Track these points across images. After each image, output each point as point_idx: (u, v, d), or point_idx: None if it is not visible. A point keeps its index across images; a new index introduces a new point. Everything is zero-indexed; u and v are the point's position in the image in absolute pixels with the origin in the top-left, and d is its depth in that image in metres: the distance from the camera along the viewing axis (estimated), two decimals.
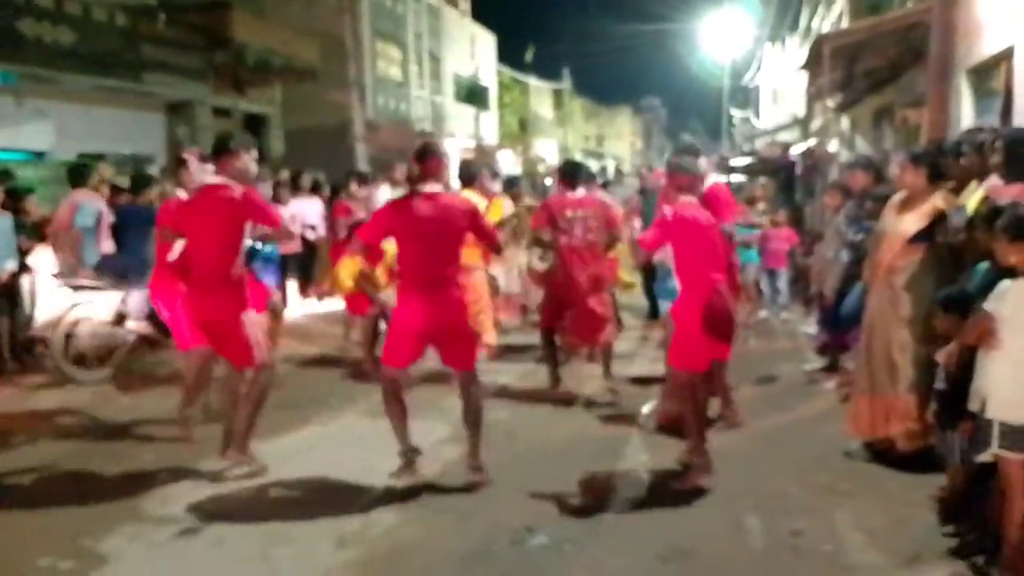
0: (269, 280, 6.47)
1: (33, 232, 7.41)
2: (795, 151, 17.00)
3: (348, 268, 6.67)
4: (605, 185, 10.75)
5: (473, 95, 33.07)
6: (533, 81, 46.05)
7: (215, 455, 4.61)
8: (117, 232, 7.50)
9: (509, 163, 33.79)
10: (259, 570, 3.55)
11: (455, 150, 24.52)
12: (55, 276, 7.06)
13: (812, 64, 11.31)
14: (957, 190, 4.47)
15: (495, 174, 7.98)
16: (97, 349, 6.79)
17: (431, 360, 4.73)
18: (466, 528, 3.90)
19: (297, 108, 19.41)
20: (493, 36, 37.21)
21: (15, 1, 11.57)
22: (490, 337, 7.09)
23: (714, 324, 4.32)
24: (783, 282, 9.33)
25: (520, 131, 43.24)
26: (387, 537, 3.84)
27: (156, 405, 5.91)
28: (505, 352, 7.49)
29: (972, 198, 4.20)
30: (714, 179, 5.75)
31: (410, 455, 4.41)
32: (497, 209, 7.37)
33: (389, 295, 5.00)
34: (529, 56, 43.96)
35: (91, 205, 7.50)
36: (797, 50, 20.74)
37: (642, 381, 6.37)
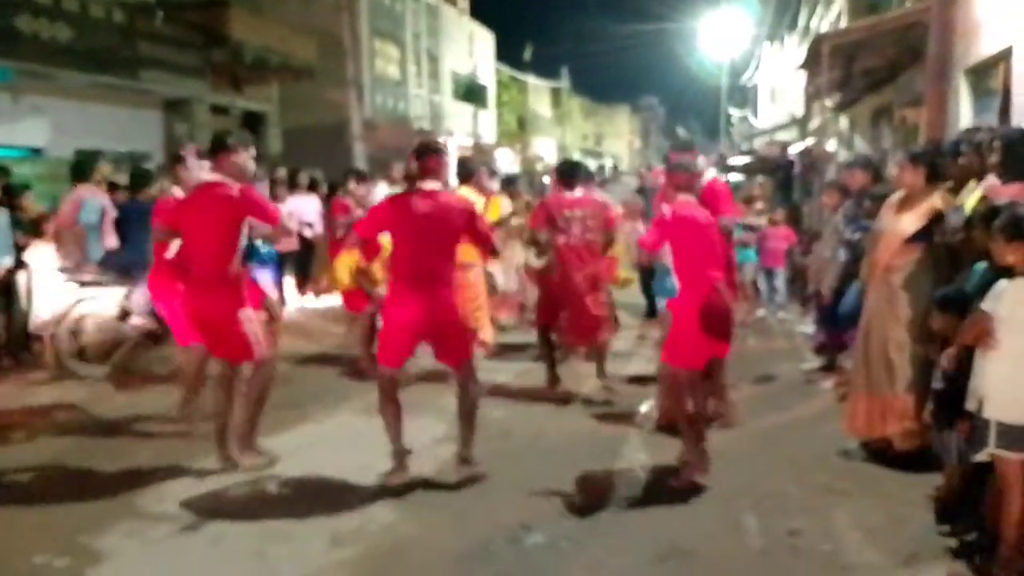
0: (266, 278, 6.47)
1: (30, 228, 7.40)
2: (793, 150, 17.02)
3: (345, 263, 6.69)
4: (602, 183, 10.75)
5: (471, 93, 33.07)
6: (531, 80, 46.08)
7: (212, 453, 4.60)
8: (120, 228, 7.49)
9: (507, 161, 33.81)
10: (255, 568, 3.54)
11: (453, 148, 24.52)
12: (60, 271, 7.07)
13: (811, 63, 11.31)
14: (955, 190, 4.47)
15: (493, 173, 7.97)
16: (102, 345, 6.81)
17: (428, 359, 4.73)
18: (463, 526, 3.90)
19: (295, 106, 19.39)
20: (491, 34, 37.23)
21: None
22: (487, 335, 7.09)
23: (713, 322, 4.32)
24: (781, 281, 9.34)
25: (518, 129, 43.26)
26: (384, 535, 3.84)
27: (153, 402, 5.90)
28: (502, 350, 7.49)
29: (970, 198, 4.21)
30: (712, 174, 5.74)
31: (402, 457, 4.38)
32: (495, 208, 7.37)
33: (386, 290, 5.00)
34: (527, 55, 43.99)
35: (95, 201, 7.50)
36: (796, 49, 20.74)
37: (639, 380, 6.37)
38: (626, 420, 5.54)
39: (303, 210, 10.06)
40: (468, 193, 6.98)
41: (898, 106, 12.13)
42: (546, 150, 46.59)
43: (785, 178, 16.79)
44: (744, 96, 34.43)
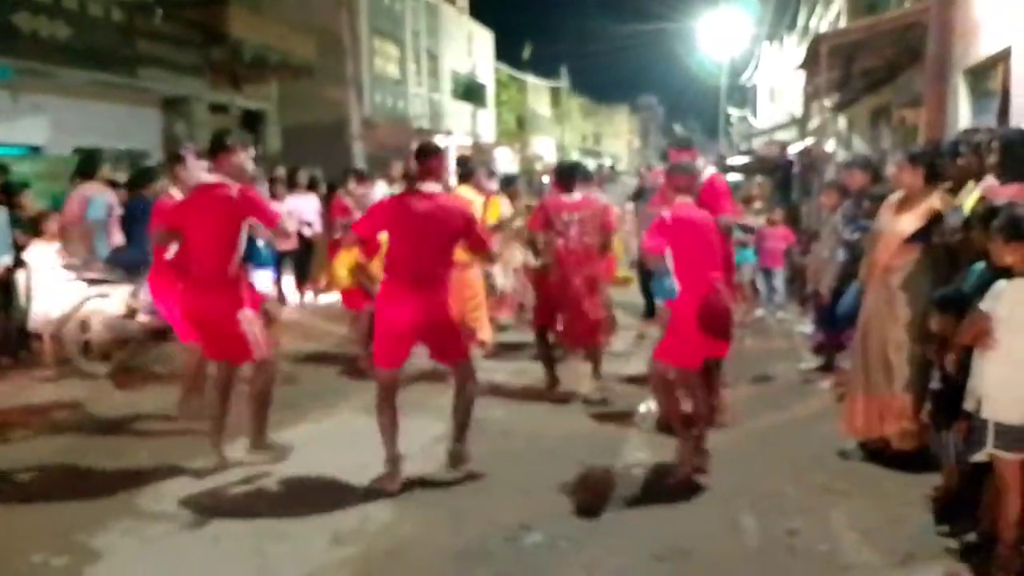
0: (266, 278, 6.47)
1: (29, 227, 7.39)
2: (792, 150, 17.02)
3: (344, 261, 6.71)
4: (601, 183, 10.68)
5: (471, 92, 33.04)
6: (531, 79, 46.04)
7: (210, 452, 4.59)
8: (124, 225, 7.49)
9: (506, 160, 33.79)
10: (254, 566, 3.54)
11: (452, 147, 24.53)
12: (68, 269, 7.07)
13: (810, 63, 11.31)
14: (954, 190, 4.48)
15: (492, 173, 7.98)
16: (108, 342, 6.82)
17: (426, 359, 4.73)
18: (462, 525, 3.90)
19: (294, 105, 19.39)
20: (491, 34, 37.18)
21: None
22: (486, 334, 7.09)
23: (712, 322, 4.33)
24: (779, 281, 9.34)
25: (518, 129, 43.23)
26: (382, 534, 3.84)
27: (152, 401, 5.90)
28: (501, 350, 7.49)
29: (969, 198, 4.21)
30: (712, 171, 5.73)
31: (395, 464, 4.35)
32: (494, 208, 7.37)
33: None
34: (527, 54, 43.94)
35: (102, 198, 7.50)
36: (795, 49, 20.75)
37: (638, 380, 6.36)
38: (625, 420, 5.55)
39: (302, 209, 10.08)
40: (467, 192, 7.00)
41: (897, 106, 12.13)
42: (545, 149, 46.57)
43: (784, 178, 16.78)
44: (743, 96, 34.43)
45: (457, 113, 31.59)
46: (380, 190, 9.83)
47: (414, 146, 4.78)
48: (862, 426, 4.61)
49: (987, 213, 3.59)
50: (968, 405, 3.33)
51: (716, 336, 4.43)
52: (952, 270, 4.22)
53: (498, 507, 4.08)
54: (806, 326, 8.26)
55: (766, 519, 3.92)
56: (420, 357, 4.70)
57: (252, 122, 17.57)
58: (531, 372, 6.64)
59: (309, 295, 10.59)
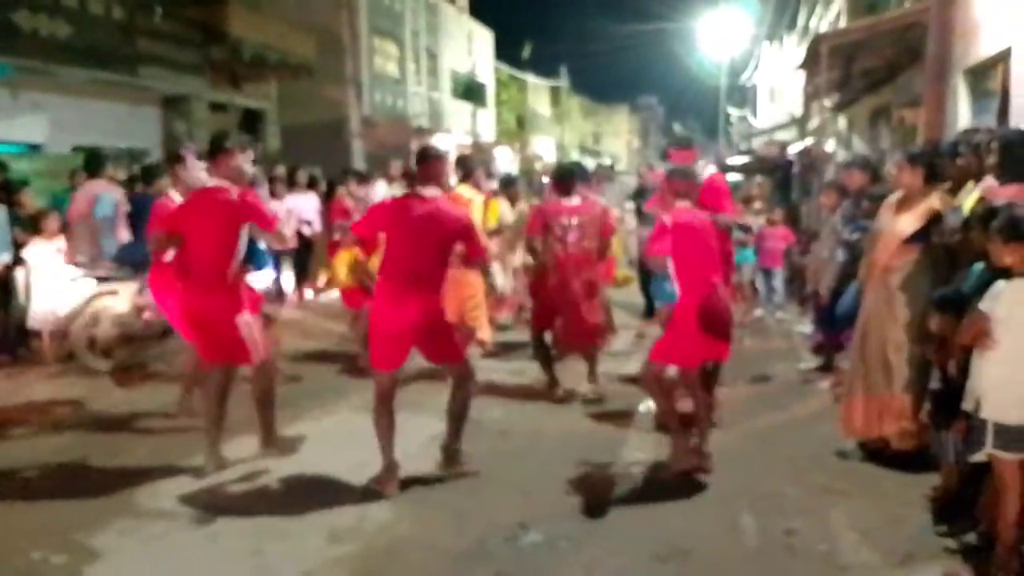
0: (265, 279, 6.46)
1: (28, 225, 7.39)
2: (792, 150, 17.02)
3: (344, 260, 6.72)
4: (600, 182, 10.59)
5: (470, 92, 33.01)
6: (531, 78, 45.99)
7: (209, 452, 4.59)
8: (130, 222, 7.49)
9: (506, 160, 33.76)
10: (252, 565, 3.54)
11: (452, 147, 24.50)
12: (75, 266, 7.08)
13: (810, 63, 11.32)
14: (953, 190, 4.48)
15: (491, 174, 7.98)
16: (115, 339, 6.83)
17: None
18: (461, 525, 3.90)
19: (293, 104, 19.38)
20: (491, 33, 37.15)
21: None
22: (485, 333, 7.08)
23: (712, 324, 4.34)
24: (779, 281, 9.34)
25: (517, 128, 43.19)
26: (381, 533, 3.84)
27: (151, 399, 5.91)
28: (500, 349, 7.49)
29: (968, 199, 4.21)
30: (712, 170, 5.73)
31: (391, 468, 4.32)
32: (494, 208, 7.36)
33: None
34: (526, 53, 43.90)
35: (109, 195, 7.51)
36: (795, 49, 20.75)
37: (638, 379, 6.35)
38: (625, 419, 5.55)
39: (302, 208, 10.08)
40: (466, 191, 6.99)
41: (896, 106, 12.13)
42: (545, 149, 46.51)
43: (784, 178, 16.79)
44: (743, 96, 34.42)
45: (457, 112, 31.58)
46: (380, 190, 9.84)
47: (415, 147, 4.78)
48: (861, 426, 4.61)
49: (986, 213, 3.58)
50: (967, 405, 3.34)
51: (715, 337, 4.43)
52: (951, 270, 4.22)
53: (497, 507, 4.08)
54: (805, 326, 8.26)
55: (765, 519, 3.92)
56: (419, 357, 4.69)
57: (251, 121, 17.57)
58: (530, 372, 6.64)
59: (309, 293, 10.60)
